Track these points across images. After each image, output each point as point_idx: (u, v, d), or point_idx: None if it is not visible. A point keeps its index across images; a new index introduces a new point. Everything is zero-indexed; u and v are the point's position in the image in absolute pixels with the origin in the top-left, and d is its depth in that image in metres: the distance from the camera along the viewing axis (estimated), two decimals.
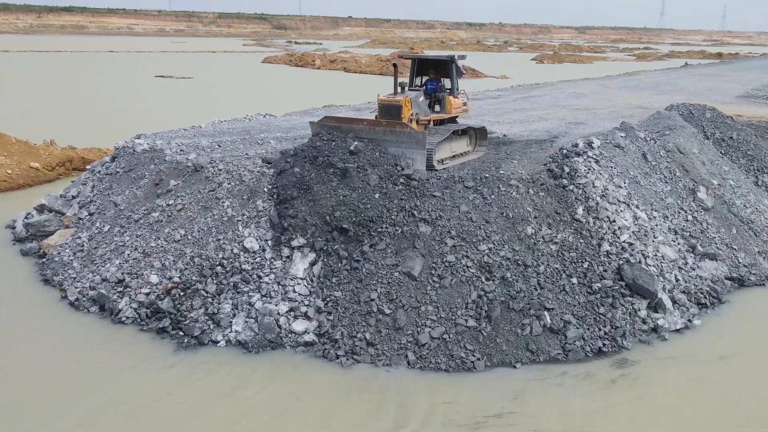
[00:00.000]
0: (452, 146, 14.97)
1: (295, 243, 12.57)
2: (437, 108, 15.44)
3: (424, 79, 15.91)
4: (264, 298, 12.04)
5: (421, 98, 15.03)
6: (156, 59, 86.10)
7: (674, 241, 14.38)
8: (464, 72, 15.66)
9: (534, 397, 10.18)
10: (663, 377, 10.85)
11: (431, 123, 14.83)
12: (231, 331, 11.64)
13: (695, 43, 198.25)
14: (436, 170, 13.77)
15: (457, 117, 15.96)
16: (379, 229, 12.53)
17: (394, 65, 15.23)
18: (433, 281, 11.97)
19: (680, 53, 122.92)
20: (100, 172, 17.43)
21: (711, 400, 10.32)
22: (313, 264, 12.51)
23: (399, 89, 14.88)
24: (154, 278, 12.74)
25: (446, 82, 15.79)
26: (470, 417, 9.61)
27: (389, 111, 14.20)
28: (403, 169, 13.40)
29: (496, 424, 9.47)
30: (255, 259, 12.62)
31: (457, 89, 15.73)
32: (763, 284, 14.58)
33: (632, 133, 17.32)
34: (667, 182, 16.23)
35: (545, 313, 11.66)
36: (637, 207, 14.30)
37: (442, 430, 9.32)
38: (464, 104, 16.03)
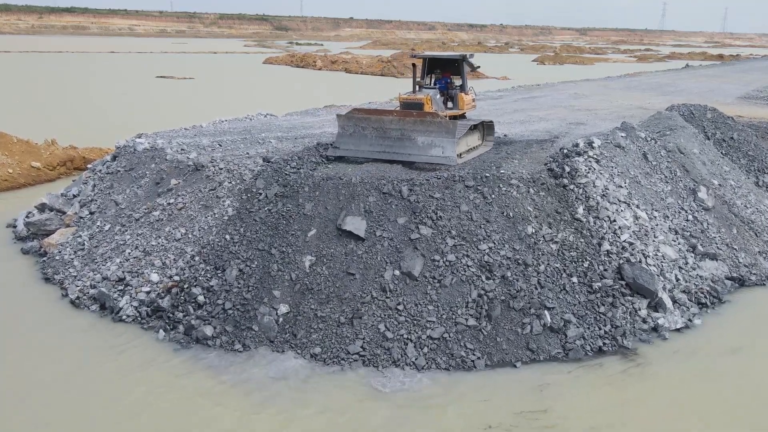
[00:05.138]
0: (467, 141, 15.58)
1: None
2: (449, 105, 16.27)
3: (434, 77, 16.71)
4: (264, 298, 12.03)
5: (438, 96, 15.79)
6: (157, 60, 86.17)
7: (675, 241, 14.38)
8: (478, 66, 16.91)
9: (555, 393, 10.22)
10: (672, 372, 10.93)
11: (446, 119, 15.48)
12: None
13: (696, 45, 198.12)
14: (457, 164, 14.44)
15: (465, 113, 16.68)
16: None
17: (413, 65, 16.35)
18: (434, 281, 11.98)
19: (681, 54, 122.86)
20: (101, 171, 17.46)
21: (725, 393, 10.44)
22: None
23: (417, 88, 15.85)
24: (154, 277, 12.76)
25: (456, 80, 16.64)
26: (503, 416, 9.64)
27: (411, 108, 15.03)
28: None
29: (531, 425, 9.52)
30: None
31: (467, 86, 16.55)
32: (764, 284, 14.57)
33: (633, 133, 17.34)
34: (667, 182, 16.23)
35: (545, 312, 11.66)
36: (637, 207, 14.31)
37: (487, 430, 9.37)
38: (473, 100, 16.94)
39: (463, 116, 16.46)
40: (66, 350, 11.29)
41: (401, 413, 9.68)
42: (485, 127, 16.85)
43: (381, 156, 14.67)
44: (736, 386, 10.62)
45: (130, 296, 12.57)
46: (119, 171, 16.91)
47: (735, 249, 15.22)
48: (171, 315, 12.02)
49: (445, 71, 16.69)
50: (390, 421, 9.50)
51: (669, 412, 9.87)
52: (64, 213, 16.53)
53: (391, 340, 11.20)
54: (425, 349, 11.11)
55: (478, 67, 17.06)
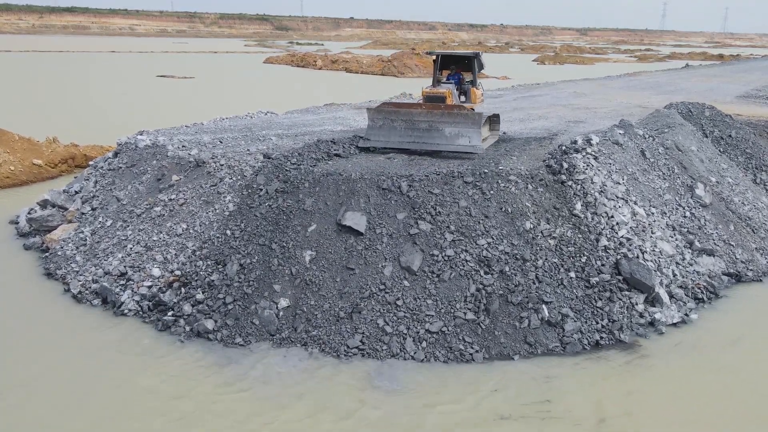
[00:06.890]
0: (483, 131, 16.41)
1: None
2: (462, 98, 17.56)
3: (446, 73, 18.04)
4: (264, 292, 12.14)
5: (455, 90, 17.10)
6: (158, 59, 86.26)
7: (672, 237, 14.49)
8: (484, 65, 18.17)
9: (559, 385, 10.32)
10: (675, 364, 11.04)
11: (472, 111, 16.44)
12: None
13: (696, 45, 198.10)
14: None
15: (475, 106, 17.60)
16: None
17: (434, 61, 17.89)
18: (432, 275, 12.09)
19: (681, 54, 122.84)
20: (102, 167, 17.58)
21: (728, 384, 10.56)
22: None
23: (437, 83, 17.47)
24: (156, 271, 12.87)
25: (467, 76, 17.92)
26: (513, 407, 9.72)
27: (435, 101, 16.22)
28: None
29: (541, 416, 9.61)
30: None
31: (477, 82, 18.00)
32: (760, 280, 14.68)
33: (631, 131, 17.44)
34: (665, 179, 16.34)
35: (543, 306, 11.77)
36: (635, 203, 14.41)
37: (502, 421, 9.42)
38: (482, 95, 18.39)
39: (472, 110, 17.12)
40: (68, 344, 11.39)
41: (406, 406, 9.75)
42: (491, 120, 17.83)
43: (410, 146, 15.55)
44: (737, 378, 10.71)
45: (132, 291, 12.68)
46: (121, 167, 17.03)
47: (732, 245, 15.32)
48: (172, 309, 12.13)
49: (458, 68, 17.94)
50: (395, 414, 9.57)
51: (673, 402, 9.98)
52: (66, 209, 16.65)
53: (390, 335, 11.31)
54: (424, 343, 11.21)
55: (484, 66, 18.24)
